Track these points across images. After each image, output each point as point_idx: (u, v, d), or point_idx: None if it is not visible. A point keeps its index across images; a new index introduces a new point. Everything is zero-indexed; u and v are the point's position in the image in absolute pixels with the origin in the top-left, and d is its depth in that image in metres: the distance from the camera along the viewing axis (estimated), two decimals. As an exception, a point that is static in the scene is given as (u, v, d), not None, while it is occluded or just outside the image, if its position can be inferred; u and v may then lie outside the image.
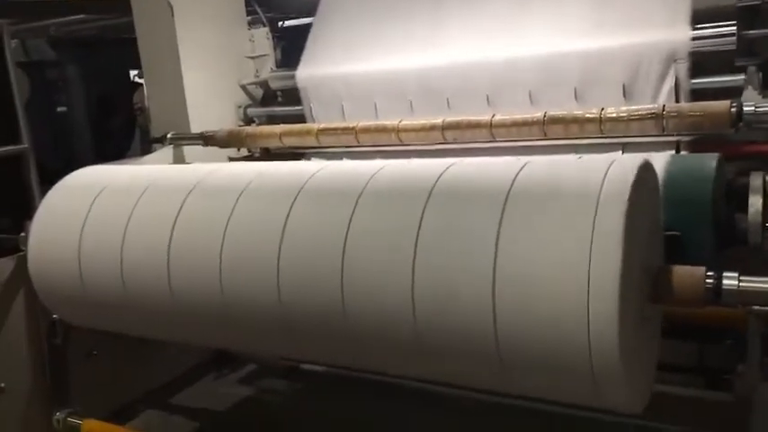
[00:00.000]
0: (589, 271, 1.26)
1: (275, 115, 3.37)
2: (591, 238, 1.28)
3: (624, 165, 1.41)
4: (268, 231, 1.69)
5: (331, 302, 1.56)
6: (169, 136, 3.11)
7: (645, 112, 2.12)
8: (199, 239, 1.79)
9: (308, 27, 3.29)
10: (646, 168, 1.44)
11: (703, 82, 2.40)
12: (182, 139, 3.12)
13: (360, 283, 1.53)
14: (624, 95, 2.50)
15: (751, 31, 2.28)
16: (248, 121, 3.40)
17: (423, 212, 1.49)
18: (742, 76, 2.34)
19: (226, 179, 1.90)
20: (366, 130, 2.62)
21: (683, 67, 2.39)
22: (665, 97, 2.44)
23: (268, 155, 3.19)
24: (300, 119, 3.20)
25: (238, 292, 1.73)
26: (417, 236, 1.47)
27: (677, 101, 2.42)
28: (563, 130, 2.22)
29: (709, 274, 1.40)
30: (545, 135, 2.27)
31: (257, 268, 1.70)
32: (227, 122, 3.29)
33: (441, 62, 2.81)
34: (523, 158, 1.99)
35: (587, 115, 2.19)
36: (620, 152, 2.46)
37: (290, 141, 2.85)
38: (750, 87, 2.29)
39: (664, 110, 2.11)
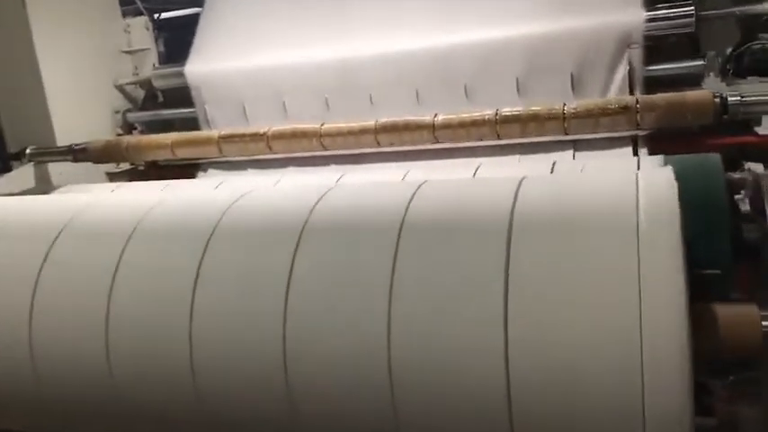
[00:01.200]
0: (641, 334, 0.90)
1: (161, 120, 2.84)
2: (638, 287, 0.93)
3: (655, 177, 1.07)
4: (170, 292, 1.23)
5: (274, 392, 1.14)
6: (28, 151, 2.51)
7: (615, 106, 1.82)
8: (70, 312, 1.29)
9: (192, 17, 2.77)
10: (674, 177, 1.11)
11: (659, 69, 2.14)
12: (45, 155, 2.53)
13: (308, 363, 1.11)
14: (572, 86, 2.22)
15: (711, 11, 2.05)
16: (129, 128, 2.85)
17: (395, 256, 1.09)
18: (701, 62, 2.11)
19: (104, 219, 1.40)
20: (280, 135, 2.19)
21: (636, 53, 2.13)
22: (617, 87, 2.19)
23: (155, 168, 2.67)
24: (192, 123, 2.71)
25: (130, 375, 1.26)
26: (391, 288, 1.06)
27: (631, 90, 2.17)
28: (519, 130, 1.89)
29: (764, 314, 1.10)
30: (497, 136, 1.93)
31: (157, 350, 1.24)
32: (102, 131, 2.73)
33: (362, 52, 2.42)
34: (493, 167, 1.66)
35: (549, 111, 1.87)
36: (572, 151, 2.19)
37: (184, 152, 2.35)
38: (712, 74, 2.07)
39: (637, 103, 1.82)
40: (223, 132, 2.27)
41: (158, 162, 2.62)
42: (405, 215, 1.13)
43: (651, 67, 2.14)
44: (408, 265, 1.07)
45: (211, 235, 1.24)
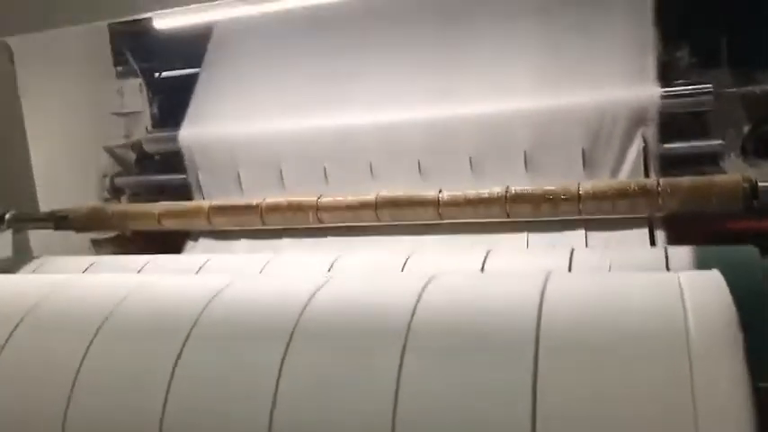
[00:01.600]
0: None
1: (151, 185, 2.71)
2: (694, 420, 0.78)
3: (703, 286, 0.93)
4: (140, 399, 1.07)
5: None
6: (7, 217, 2.37)
7: (635, 188, 1.70)
8: (23, 415, 1.12)
9: (191, 79, 2.68)
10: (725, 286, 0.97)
11: (675, 148, 2.04)
12: (25, 221, 2.38)
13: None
14: (584, 162, 2.11)
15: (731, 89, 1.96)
16: (116, 193, 2.72)
17: (399, 369, 0.94)
18: (719, 141, 2.01)
19: (70, 309, 1.25)
20: (275, 208, 2.06)
21: (651, 131, 2.03)
22: (631, 164, 2.08)
23: (142, 236, 2.53)
24: (184, 190, 2.59)
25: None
26: (395, 413, 0.90)
27: (646, 168, 2.06)
28: (530, 210, 1.76)
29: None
30: (507, 216, 1.80)
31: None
32: (88, 196, 2.60)
33: (362, 120, 2.32)
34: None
35: (564, 192, 1.75)
36: (583, 231, 2.05)
37: (172, 224, 2.21)
38: (732, 155, 1.96)
39: (659, 185, 1.70)
40: (214, 203, 2.14)
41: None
42: (411, 321, 0.98)
43: (667, 146, 2.03)
44: (412, 382, 0.92)
45: (188, 335, 1.09)
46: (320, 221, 2.01)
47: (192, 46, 2.70)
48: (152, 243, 2.55)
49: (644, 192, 1.71)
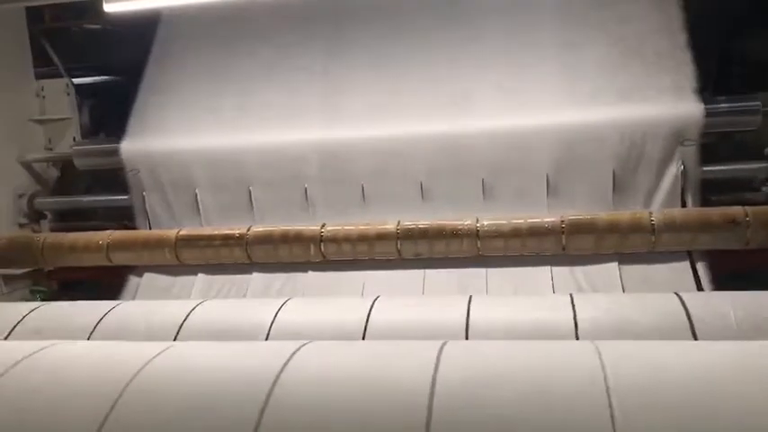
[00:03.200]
0: None
1: (81, 208, 2.21)
2: None
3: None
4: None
5: None
6: None
7: (720, 216, 1.45)
8: None
9: (133, 79, 2.22)
10: None
11: (717, 170, 1.83)
12: None
13: None
14: (614, 185, 1.86)
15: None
16: (36, 216, 2.20)
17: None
18: (765, 164, 1.82)
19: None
20: (266, 239, 1.64)
21: (690, 152, 1.81)
22: (667, 188, 1.85)
23: (68, 270, 2.03)
24: (122, 213, 2.15)
25: None
26: None
27: (683, 193, 1.84)
28: (593, 241, 1.47)
29: None
30: (563, 249, 1.50)
31: None
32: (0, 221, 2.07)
33: (354, 133, 1.97)
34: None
35: (634, 219, 1.47)
36: (616, 263, 1.80)
37: (124, 258, 1.75)
38: (780, 180, 1.78)
39: (747, 215, 1.46)
40: (184, 233, 1.70)
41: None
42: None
43: (708, 168, 1.82)
44: None
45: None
46: (323, 255, 1.62)
47: (135, 40, 2.25)
48: (79, 279, 2.07)
49: (733, 221, 1.45)
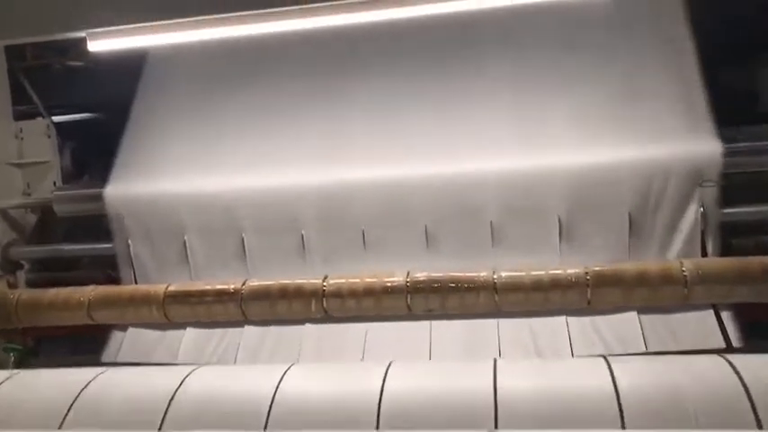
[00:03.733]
0: None
1: (60, 258, 2.07)
2: None
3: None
4: None
5: None
6: None
7: (760, 266, 1.35)
8: None
9: (118, 121, 2.10)
10: None
11: (738, 213, 1.74)
12: None
13: None
14: (630, 229, 1.75)
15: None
16: (12, 267, 2.05)
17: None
18: (788, 206, 1.73)
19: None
20: (263, 294, 1.51)
21: (710, 193, 1.72)
22: (687, 232, 1.75)
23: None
24: (104, 262, 2.02)
25: None
26: None
27: (703, 237, 1.73)
28: (620, 295, 1.35)
29: None
30: (588, 302, 1.38)
31: None
32: (-28, 273, 1.93)
33: (354, 176, 1.86)
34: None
35: (663, 270, 1.35)
36: (635, 314, 1.68)
37: (107, 316, 1.60)
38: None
39: None
40: (173, 288, 1.56)
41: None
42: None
43: (728, 210, 1.72)
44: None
45: None
46: (325, 311, 1.49)
47: (121, 79, 2.14)
48: (53, 335, 1.92)
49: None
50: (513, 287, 1.40)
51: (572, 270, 1.41)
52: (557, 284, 1.38)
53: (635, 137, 1.78)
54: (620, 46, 1.88)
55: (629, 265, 1.40)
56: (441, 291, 1.43)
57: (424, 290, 1.43)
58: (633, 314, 1.70)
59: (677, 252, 1.73)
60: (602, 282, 1.38)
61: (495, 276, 1.41)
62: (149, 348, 1.78)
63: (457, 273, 1.42)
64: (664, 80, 1.83)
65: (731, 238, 1.75)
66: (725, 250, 1.71)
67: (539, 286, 1.38)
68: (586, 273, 1.39)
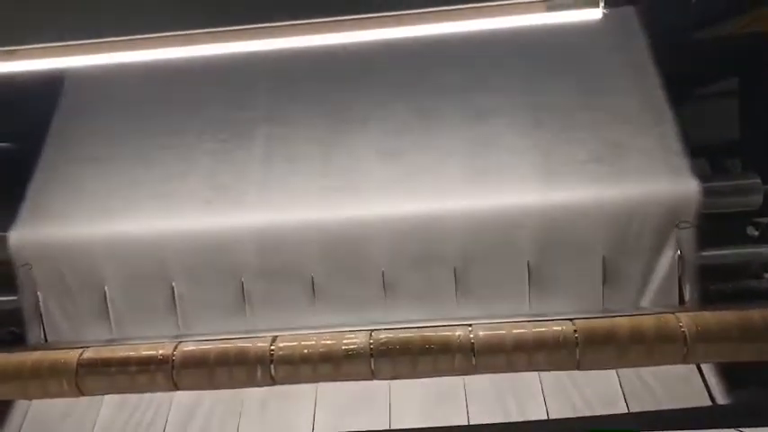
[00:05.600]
0: None
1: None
2: None
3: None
4: None
5: None
6: None
7: (762, 319, 1.21)
8: None
9: (25, 154, 1.85)
10: None
11: (715, 255, 1.64)
12: None
13: None
14: (604, 274, 1.63)
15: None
16: None
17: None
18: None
19: None
20: (199, 360, 1.27)
21: (687, 235, 1.62)
22: (662, 276, 1.64)
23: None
24: (10, 317, 1.73)
25: None
26: None
27: (680, 282, 1.63)
28: (615, 355, 1.19)
29: None
30: (578, 365, 1.21)
31: None
32: None
33: (298, 216, 1.67)
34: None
35: (663, 328, 1.20)
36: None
37: (2, 391, 1.32)
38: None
39: None
40: (89, 355, 1.29)
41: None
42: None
43: (706, 253, 1.61)
44: None
45: None
46: (273, 381, 1.26)
47: (34, 106, 1.87)
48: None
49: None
50: (493, 349, 1.21)
51: (556, 327, 1.24)
52: (539, 343, 1.20)
53: (607, 175, 1.66)
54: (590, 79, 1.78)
55: (623, 321, 1.24)
56: (411, 353, 1.23)
57: (391, 353, 1.23)
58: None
59: (651, 300, 1.63)
60: (590, 339, 1.21)
61: (472, 335, 1.22)
62: (57, 425, 1.51)
63: (429, 332, 1.23)
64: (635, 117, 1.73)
65: (708, 282, 1.65)
66: (703, 296, 1.61)
67: (523, 346, 1.20)
68: (575, 330, 1.21)
